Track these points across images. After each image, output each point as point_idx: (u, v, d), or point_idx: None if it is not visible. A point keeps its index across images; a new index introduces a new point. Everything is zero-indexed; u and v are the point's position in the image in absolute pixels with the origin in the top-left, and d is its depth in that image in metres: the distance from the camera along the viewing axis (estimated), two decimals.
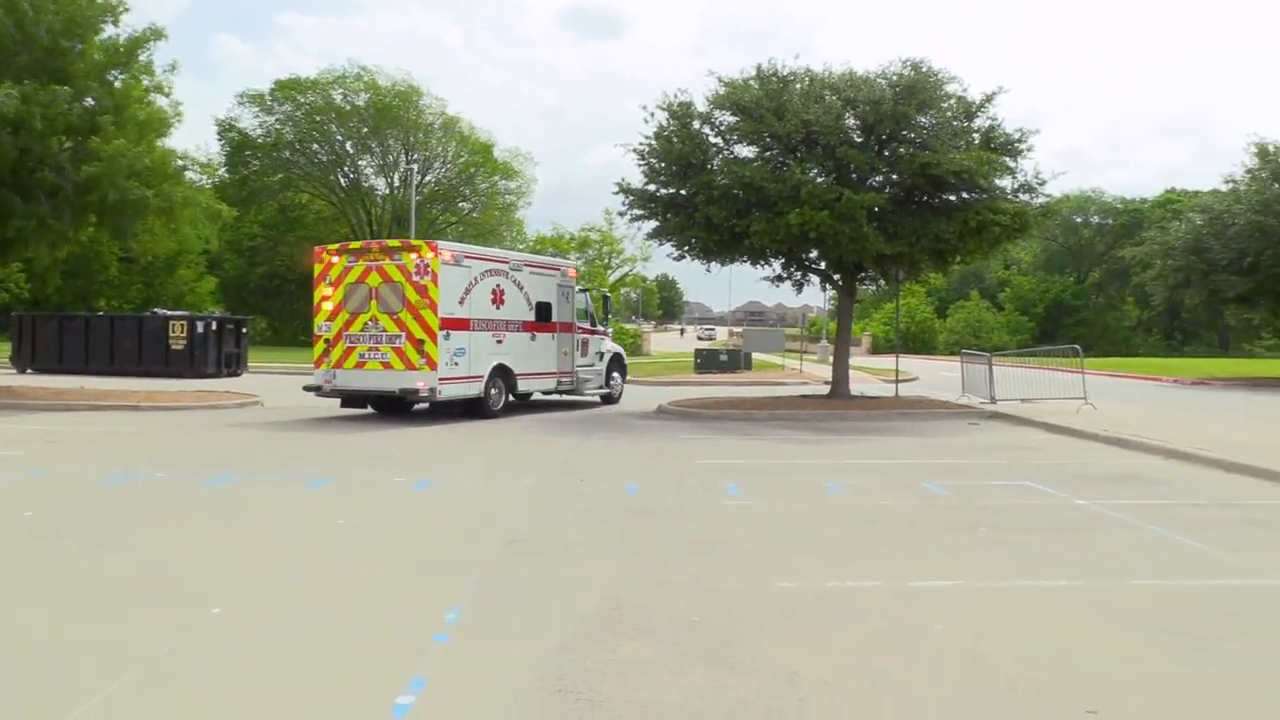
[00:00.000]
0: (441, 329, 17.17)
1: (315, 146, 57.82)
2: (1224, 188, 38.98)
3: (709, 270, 23.28)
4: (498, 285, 18.82)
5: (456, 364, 17.60)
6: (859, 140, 20.21)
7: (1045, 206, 21.55)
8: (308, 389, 18.76)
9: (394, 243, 18.24)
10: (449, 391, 17.57)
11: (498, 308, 18.75)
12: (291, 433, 16.18)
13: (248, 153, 58.12)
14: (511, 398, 19.74)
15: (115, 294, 54.44)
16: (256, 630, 5.61)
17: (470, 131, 60.03)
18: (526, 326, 19.65)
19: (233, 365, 31.57)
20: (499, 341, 18.80)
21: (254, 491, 10.50)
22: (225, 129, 58.45)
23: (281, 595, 6.39)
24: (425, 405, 18.36)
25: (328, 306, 18.12)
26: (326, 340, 18.13)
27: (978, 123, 20.75)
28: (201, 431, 16.20)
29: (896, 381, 25.83)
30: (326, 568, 7.16)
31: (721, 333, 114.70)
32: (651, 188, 21.27)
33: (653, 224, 21.65)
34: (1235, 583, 7.03)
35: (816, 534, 8.47)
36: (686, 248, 21.46)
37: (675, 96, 20.83)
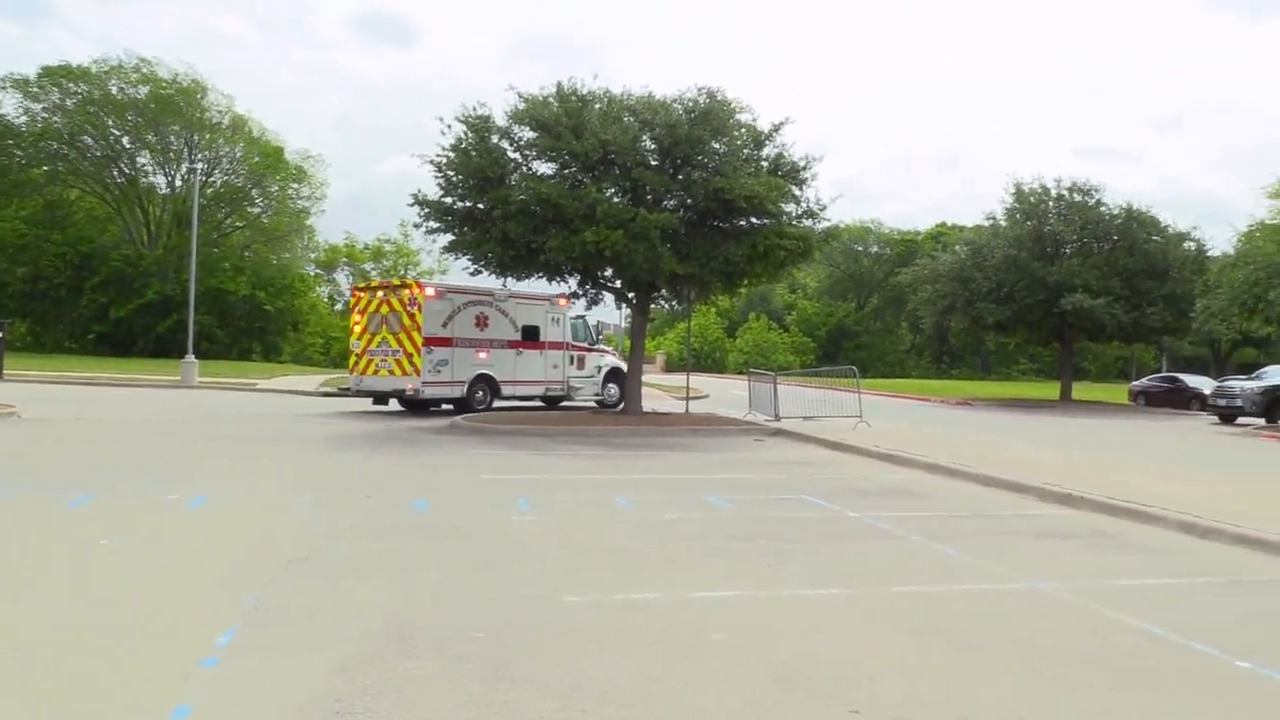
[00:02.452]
0: (425, 345, 22.10)
1: (87, 139, 53.64)
2: (986, 223, 42.28)
3: (505, 285, 23.28)
4: (481, 313, 23.51)
5: (439, 372, 22.48)
6: (655, 163, 20.69)
7: (827, 231, 22.71)
8: (342, 390, 25.14)
9: (397, 281, 24.86)
10: (431, 392, 22.51)
11: (481, 330, 23.48)
12: (52, 446, 15.00)
13: (10, 142, 53.27)
14: (498, 400, 24.09)
15: None
16: None
17: (261, 133, 57.37)
18: (512, 344, 24.18)
19: None
20: (482, 356, 23.45)
21: (2, 511, 9.64)
22: None
23: (32, 622, 5.90)
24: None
25: (357, 329, 23.59)
26: (356, 355, 23.56)
27: (766, 150, 21.65)
28: None
29: (687, 399, 26.51)
30: (85, 591, 6.68)
31: None
32: (448, 200, 21.05)
33: (449, 237, 21.43)
34: (988, 587, 7.60)
35: (604, 548, 8.57)
36: (483, 262, 21.34)
37: (474, 109, 20.74)
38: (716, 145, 20.89)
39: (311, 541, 8.43)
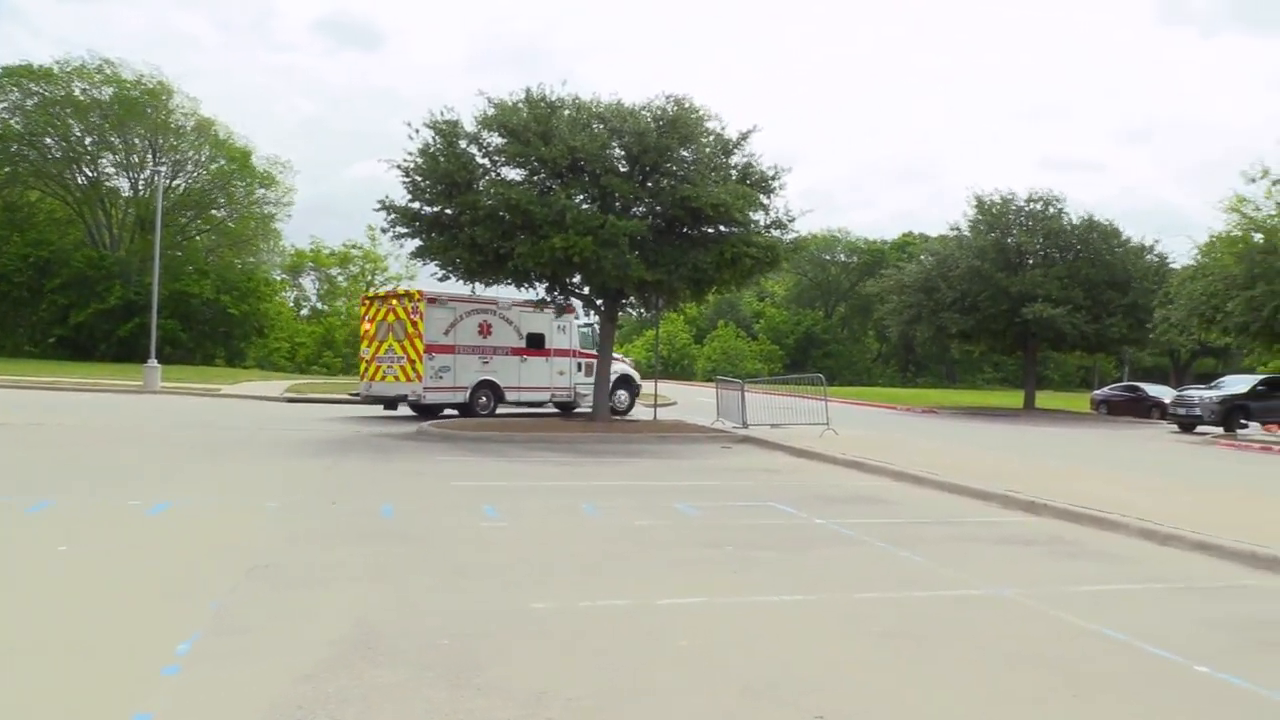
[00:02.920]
0: (426, 352, 22.79)
1: (49, 140, 52.85)
2: (950, 234, 42.69)
3: (473, 292, 23.21)
4: (484, 320, 24.05)
5: (441, 378, 23.15)
6: (624, 170, 20.72)
7: (795, 242, 22.82)
8: (352, 395, 26.35)
9: (401, 291, 24.28)
10: (433, 397, 23.11)
11: (484, 337, 24.01)
12: (9, 452, 14.75)
13: None
14: (503, 406, 24.64)
15: None
16: None
17: (227, 136, 56.77)
18: (516, 351, 24.66)
19: None
20: (485, 362, 24.06)
21: None
22: None
23: None
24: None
25: (366, 337, 24.42)
26: (365, 361, 24.35)
27: (735, 159, 21.74)
28: None
29: (655, 406, 26.52)
30: (43, 599, 6.57)
31: None
32: (416, 206, 20.95)
33: (416, 243, 21.32)
34: (952, 593, 7.67)
35: (572, 555, 8.57)
36: (451, 268, 21.26)
37: (442, 114, 20.66)
38: (685, 153, 20.95)
39: (276, 548, 8.36)
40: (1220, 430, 29.19)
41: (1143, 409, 39.33)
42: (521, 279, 21.75)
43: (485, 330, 24.16)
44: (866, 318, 79.96)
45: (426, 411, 23.49)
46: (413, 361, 23.02)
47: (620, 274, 19.85)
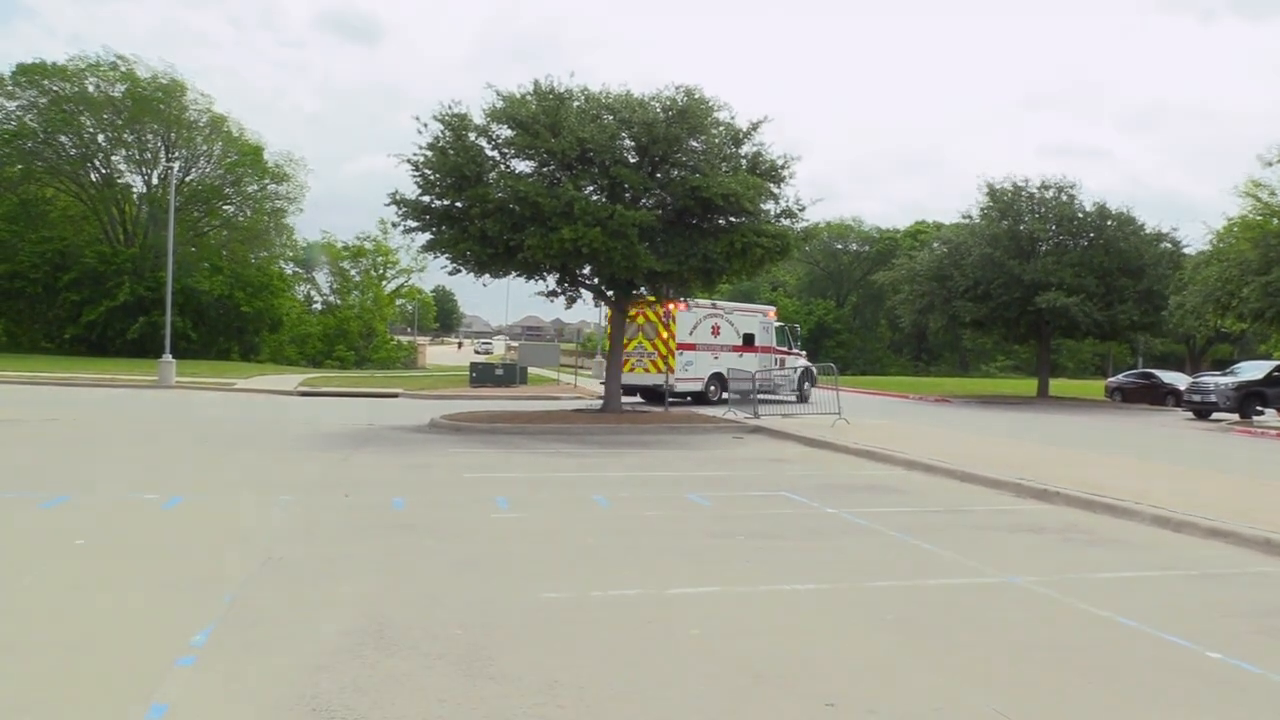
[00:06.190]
0: (677, 349, 27.79)
1: (63, 138, 53.04)
2: (963, 221, 42.43)
3: (484, 284, 23.17)
4: (715, 323, 29.33)
5: (686, 370, 28.33)
6: (633, 160, 20.67)
7: (805, 231, 22.73)
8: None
9: (651, 298, 25.73)
10: (681, 386, 28.08)
11: (715, 337, 29.28)
12: (25, 447, 14.86)
13: None
14: (724, 393, 27.65)
15: None
16: None
17: (239, 132, 56.86)
18: (736, 349, 29.70)
19: None
20: (715, 358, 29.25)
21: None
22: None
23: (5, 623, 5.86)
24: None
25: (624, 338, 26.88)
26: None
27: (744, 149, 21.65)
28: None
29: (666, 397, 26.53)
30: (59, 591, 6.63)
31: (499, 346, 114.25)
32: (426, 199, 20.93)
33: (427, 236, 21.32)
34: (964, 581, 7.66)
35: (583, 545, 8.60)
36: (461, 260, 21.25)
37: (450, 107, 20.64)
38: (694, 143, 20.87)
39: (289, 540, 8.41)
40: (1236, 417, 29.04)
41: (1158, 396, 39.14)
42: (531, 271, 21.73)
43: (716, 331, 29.23)
44: (879, 306, 79.65)
45: (659, 398, 27.33)
46: (664, 357, 27.69)
47: (629, 265, 19.84)
